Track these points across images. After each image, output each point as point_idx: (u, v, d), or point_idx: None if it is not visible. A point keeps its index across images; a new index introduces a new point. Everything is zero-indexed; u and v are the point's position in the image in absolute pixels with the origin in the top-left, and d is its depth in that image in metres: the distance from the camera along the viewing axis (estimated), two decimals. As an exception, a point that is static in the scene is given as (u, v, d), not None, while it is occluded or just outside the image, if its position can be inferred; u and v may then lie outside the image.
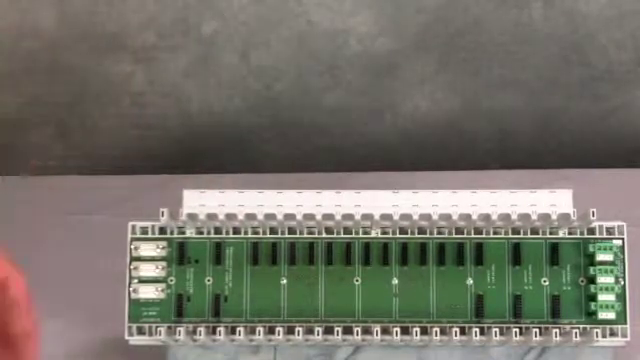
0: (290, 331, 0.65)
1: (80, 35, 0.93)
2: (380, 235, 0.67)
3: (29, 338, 0.57)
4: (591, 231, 0.66)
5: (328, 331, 0.65)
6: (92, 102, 0.97)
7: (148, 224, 0.67)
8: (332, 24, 0.92)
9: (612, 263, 0.66)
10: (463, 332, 0.65)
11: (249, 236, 0.67)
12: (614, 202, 0.75)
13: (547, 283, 0.66)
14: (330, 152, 0.98)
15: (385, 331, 0.65)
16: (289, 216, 0.66)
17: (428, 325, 0.65)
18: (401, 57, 0.93)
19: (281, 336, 0.65)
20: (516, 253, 0.66)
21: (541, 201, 0.66)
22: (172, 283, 0.67)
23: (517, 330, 0.65)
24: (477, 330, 0.65)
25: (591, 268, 0.66)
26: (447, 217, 0.66)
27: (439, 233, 0.67)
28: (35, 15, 0.92)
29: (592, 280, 0.65)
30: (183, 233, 0.67)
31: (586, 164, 0.90)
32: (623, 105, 0.95)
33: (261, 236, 0.67)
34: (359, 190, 0.66)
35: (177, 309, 0.66)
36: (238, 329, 0.65)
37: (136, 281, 0.66)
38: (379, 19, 0.91)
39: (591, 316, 0.65)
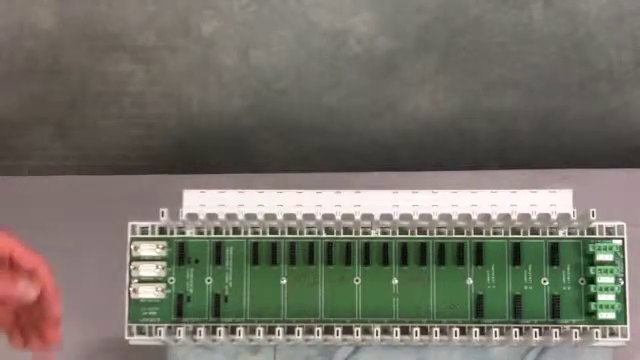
0: (290, 331, 0.65)
1: (80, 35, 0.93)
2: (380, 235, 0.67)
3: (57, 325, 0.59)
4: (591, 231, 0.66)
5: (328, 331, 0.65)
6: (92, 102, 0.97)
7: (148, 224, 0.67)
8: (332, 24, 0.92)
9: (612, 263, 0.66)
10: (463, 332, 0.65)
11: (249, 236, 0.67)
12: (614, 202, 0.75)
13: (547, 283, 0.66)
14: (330, 152, 0.98)
15: (385, 331, 0.65)
16: (289, 216, 0.66)
17: (428, 325, 0.65)
18: (401, 57, 0.93)
19: (281, 336, 0.65)
20: (516, 253, 0.66)
21: (541, 201, 0.66)
22: (172, 283, 0.67)
23: (517, 330, 0.65)
24: (477, 330, 0.65)
25: (591, 268, 0.66)
26: (447, 217, 0.66)
27: (439, 233, 0.67)
28: (35, 15, 0.92)
29: (592, 280, 0.65)
30: (183, 233, 0.67)
31: (586, 164, 0.90)
32: (623, 105, 0.95)
33: (261, 236, 0.67)
34: (359, 190, 0.66)
35: (177, 309, 0.66)
36: (238, 329, 0.65)
37: (136, 281, 0.66)
38: (379, 19, 0.91)
39: (591, 316, 0.65)
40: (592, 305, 0.65)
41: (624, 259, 0.66)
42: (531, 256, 0.66)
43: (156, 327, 0.65)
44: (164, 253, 0.67)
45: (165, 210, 0.66)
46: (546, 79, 0.94)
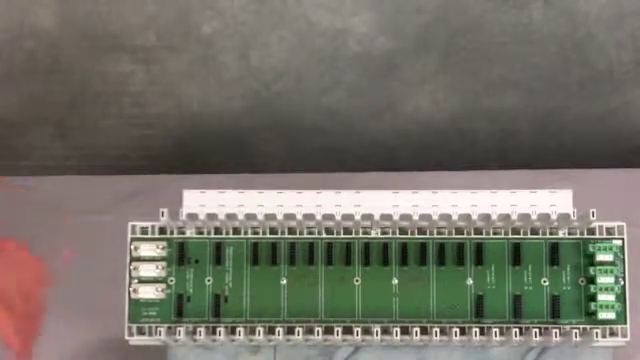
0: (290, 331, 0.65)
1: (80, 35, 0.93)
2: (380, 235, 0.67)
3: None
4: (591, 231, 0.66)
5: (328, 331, 0.65)
6: (92, 102, 0.97)
7: (148, 224, 0.67)
8: (332, 24, 0.92)
9: (612, 263, 0.65)
10: (463, 332, 0.65)
11: (249, 236, 0.67)
12: (614, 202, 0.75)
13: (547, 283, 0.66)
14: (330, 152, 0.98)
15: (385, 331, 0.65)
16: (289, 216, 0.66)
17: (428, 325, 0.65)
18: (401, 57, 0.93)
19: (281, 336, 0.65)
20: (516, 253, 0.66)
21: (541, 201, 0.66)
22: (172, 283, 0.66)
23: (517, 330, 0.65)
24: (477, 330, 0.65)
25: (591, 268, 0.65)
26: (447, 217, 0.65)
27: (439, 233, 0.67)
28: (35, 15, 0.92)
29: (592, 280, 0.65)
30: (183, 233, 0.67)
31: (586, 164, 0.90)
32: (623, 105, 0.95)
33: (261, 236, 0.67)
34: (359, 190, 0.66)
35: (177, 309, 0.66)
36: (238, 329, 0.65)
37: (136, 281, 0.66)
38: (379, 19, 0.91)
39: (591, 316, 0.65)
40: (592, 305, 0.65)
41: (624, 259, 0.66)
42: (531, 256, 0.66)
43: (156, 327, 0.65)
44: (164, 253, 0.67)
45: (165, 210, 0.66)
46: (546, 79, 0.94)
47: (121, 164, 0.98)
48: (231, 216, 0.66)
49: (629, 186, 0.84)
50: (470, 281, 0.66)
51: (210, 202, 0.66)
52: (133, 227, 0.67)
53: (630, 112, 0.95)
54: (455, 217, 0.65)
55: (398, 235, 0.67)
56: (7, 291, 0.60)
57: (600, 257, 0.66)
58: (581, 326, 0.65)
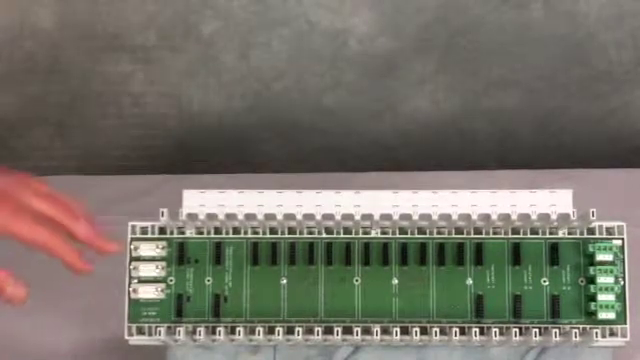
0: (290, 331, 0.65)
1: (80, 35, 0.93)
2: (380, 235, 0.67)
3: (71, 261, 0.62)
4: (591, 231, 0.66)
5: (328, 331, 0.65)
6: (92, 102, 0.97)
7: (148, 224, 0.67)
8: (332, 24, 0.92)
9: (612, 263, 0.65)
10: (463, 332, 0.65)
11: (249, 236, 0.67)
12: (614, 202, 0.75)
13: (547, 283, 0.66)
14: (330, 152, 0.98)
15: (385, 331, 0.65)
16: (289, 216, 0.66)
17: (428, 325, 0.65)
18: (401, 57, 0.93)
19: (281, 336, 0.65)
20: (516, 253, 0.66)
21: (541, 201, 0.66)
22: (172, 283, 0.66)
23: (517, 330, 0.65)
24: (477, 330, 0.65)
25: (591, 268, 0.65)
26: (447, 217, 0.65)
27: (439, 233, 0.67)
28: (35, 15, 0.92)
29: (592, 280, 0.65)
30: (183, 233, 0.67)
31: (586, 164, 0.90)
32: (623, 105, 0.95)
33: (261, 236, 0.67)
34: (359, 190, 0.66)
35: (177, 309, 0.66)
36: (238, 329, 0.65)
37: (136, 281, 0.66)
38: (379, 19, 0.92)
39: (591, 316, 0.65)
40: (592, 305, 0.65)
41: (624, 259, 0.66)
42: (531, 256, 0.66)
43: (156, 327, 0.65)
44: (164, 253, 0.67)
45: (165, 210, 0.66)
46: (546, 79, 0.94)
47: (121, 164, 0.98)
48: (231, 216, 0.66)
49: (629, 186, 0.84)
50: (470, 281, 0.66)
51: (210, 202, 0.66)
52: (133, 227, 0.67)
53: (630, 112, 0.95)
54: (455, 217, 0.65)
55: (398, 235, 0.67)
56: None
57: (600, 257, 0.66)
58: (581, 326, 0.65)
